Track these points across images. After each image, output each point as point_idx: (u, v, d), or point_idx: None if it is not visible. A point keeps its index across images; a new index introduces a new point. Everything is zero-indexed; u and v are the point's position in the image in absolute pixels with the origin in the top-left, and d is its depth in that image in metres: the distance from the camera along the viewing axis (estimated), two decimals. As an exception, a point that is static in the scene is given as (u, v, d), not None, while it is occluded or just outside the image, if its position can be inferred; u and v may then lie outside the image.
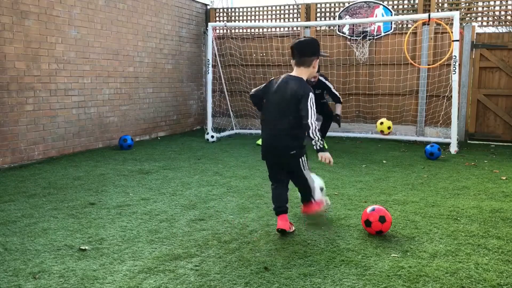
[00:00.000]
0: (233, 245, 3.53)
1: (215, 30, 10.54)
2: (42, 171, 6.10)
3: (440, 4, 9.33)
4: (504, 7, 9.03)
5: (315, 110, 3.54)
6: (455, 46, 7.53)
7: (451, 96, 7.88)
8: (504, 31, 14.62)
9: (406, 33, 9.02)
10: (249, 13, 10.80)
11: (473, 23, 9.07)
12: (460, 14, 8.32)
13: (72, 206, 4.51)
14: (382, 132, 7.44)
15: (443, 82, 9.05)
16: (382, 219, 3.64)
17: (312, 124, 3.50)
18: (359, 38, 9.64)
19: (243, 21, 10.81)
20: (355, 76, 9.88)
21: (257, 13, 10.74)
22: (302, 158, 3.71)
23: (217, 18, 11.11)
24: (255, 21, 10.75)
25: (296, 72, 3.73)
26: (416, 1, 9.42)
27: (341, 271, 3.06)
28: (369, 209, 3.75)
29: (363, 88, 9.86)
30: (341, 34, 9.82)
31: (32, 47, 6.63)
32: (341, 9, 9.84)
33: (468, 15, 9.31)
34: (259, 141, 8.04)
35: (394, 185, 5.47)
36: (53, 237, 3.68)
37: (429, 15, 7.87)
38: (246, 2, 22.53)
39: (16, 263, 3.19)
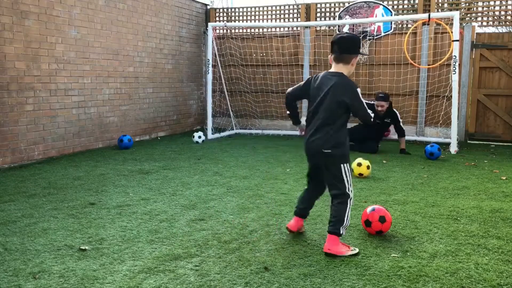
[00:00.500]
0: (233, 245, 3.53)
1: (215, 30, 10.54)
2: (42, 171, 6.10)
3: (440, 4, 9.33)
4: (504, 7, 9.03)
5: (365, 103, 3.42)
6: (455, 46, 7.53)
7: (451, 96, 7.88)
8: (504, 31, 14.62)
9: (406, 33, 9.02)
10: (249, 13, 10.80)
11: (473, 23, 9.07)
12: (460, 14, 8.32)
13: (72, 206, 4.51)
14: (361, 174, 5.85)
15: (443, 82, 9.05)
16: (382, 219, 3.64)
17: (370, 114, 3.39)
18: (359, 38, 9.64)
19: (243, 21, 10.81)
20: (355, 76, 9.87)
21: (257, 13, 10.74)
22: (344, 165, 3.44)
23: (217, 18, 11.11)
24: (255, 21, 10.75)
25: (335, 68, 3.53)
26: (416, 1, 9.42)
27: (341, 271, 3.06)
28: (369, 209, 3.75)
29: (363, 88, 9.85)
30: (341, 34, 9.81)
31: (32, 47, 6.63)
32: (341, 9, 9.84)
33: (468, 15, 9.31)
34: None
35: (394, 185, 5.46)
36: (53, 237, 3.68)
37: (429, 15, 7.87)
38: (246, 2, 22.53)
39: (16, 263, 3.19)
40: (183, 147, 8.16)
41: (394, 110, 7.85)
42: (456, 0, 9.29)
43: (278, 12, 10.59)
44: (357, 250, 3.37)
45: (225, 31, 10.84)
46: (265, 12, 10.68)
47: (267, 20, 10.68)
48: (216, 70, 10.35)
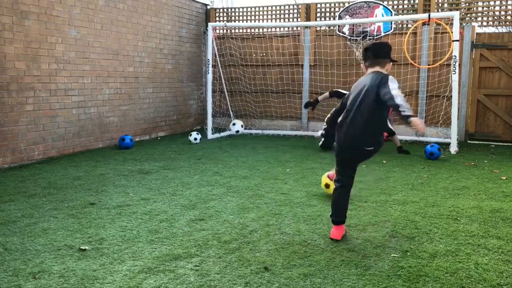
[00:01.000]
0: (233, 245, 3.53)
1: (215, 30, 10.54)
2: (42, 171, 6.10)
3: (440, 4, 9.33)
4: (504, 7, 9.03)
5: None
6: (455, 46, 7.53)
7: (451, 96, 7.88)
8: (504, 31, 14.61)
9: (406, 33, 9.02)
10: (249, 13, 10.80)
11: (473, 23, 9.07)
12: (460, 14, 8.32)
13: (72, 206, 4.51)
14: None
15: (443, 82, 9.05)
16: None
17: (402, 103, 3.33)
18: (359, 38, 9.64)
19: (243, 21, 10.81)
20: (355, 76, 9.87)
21: (257, 13, 10.74)
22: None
23: (217, 18, 11.11)
24: (255, 21, 10.75)
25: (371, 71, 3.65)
26: (416, 1, 9.42)
27: (341, 271, 3.06)
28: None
29: (363, 88, 9.84)
30: (341, 34, 9.82)
31: (32, 47, 6.63)
32: (341, 9, 9.84)
33: (468, 15, 9.31)
34: None
35: (394, 185, 5.46)
36: (53, 237, 3.68)
37: (429, 15, 7.87)
38: (246, 2, 22.51)
39: (16, 263, 3.19)
40: (183, 147, 8.16)
41: None
42: (456, 0, 9.28)
43: (278, 12, 10.59)
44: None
45: (225, 31, 10.84)
46: (265, 12, 10.68)
47: (267, 20, 10.67)
48: (216, 70, 10.35)
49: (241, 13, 10.88)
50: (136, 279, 2.94)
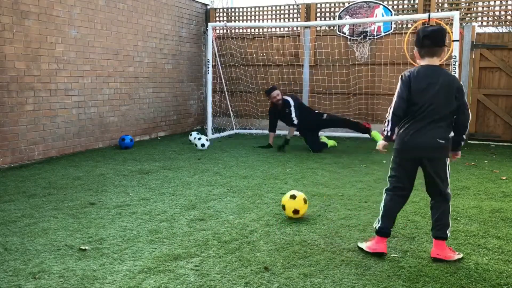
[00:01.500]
0: (233, 245, 3.53)
1: (215, 30, 10.54)
2: (42, 171, 6.10)
3: (440, 4, 9.33)
4: (504, 7, 9.03)
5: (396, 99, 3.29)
6: (455, 46, 7.53)
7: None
8: (504, 31, 14.62)
9: (406, 33, 9.02)
10: (249, 13, 10.81)
11: (473, 23, 9.07)
12: (460, 14, 8.32)
13: (72, 206, 4.51)
14: (296, 212, 4.14)
15: (443, 82, 9.04)
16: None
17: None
18: (359, 38, 9.64)
19: (243, 21, 10.81)
20: (355, 76, 9.88)
21: (257, 13, 10.75)
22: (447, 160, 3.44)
23: (217, 18, 11.11)
24: (255, 21, 10.75)
25: (431, 62, 3.29)
26: (416, 1, 9.42)
27: (341, 271, 3.06)
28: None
29: (363, 88, 9.85)
30: (341, 34, 9.82)
31: (32, 47, 6.63)
32: (341, 9, 9.84)
33: (468, 15, 9.31)
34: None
35: (394, 185, 5.46)
36: (53, 237, 3.68)
37: (429, 15, 7.87)
38: (246, 2, 22.52)
39: (16, 263, 3.19)
40: (183, 147, 8.16)
41: (285, 98, 7.96)
42: (456, 0, 9.29)
43: (278, 12, 10.59)
44: (461, 255, 3.30)
45: (225, 31, 10.84)
46: (265, 12, 10.68)
47: (267, 20, 10.68)
48: (216, 70, 10.35)
49: (241, 13, 10.88)
50: (136, 279, 2.94)
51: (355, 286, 2.86)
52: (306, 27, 9.93)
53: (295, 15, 10.48)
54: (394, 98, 3.32)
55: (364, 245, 3.42)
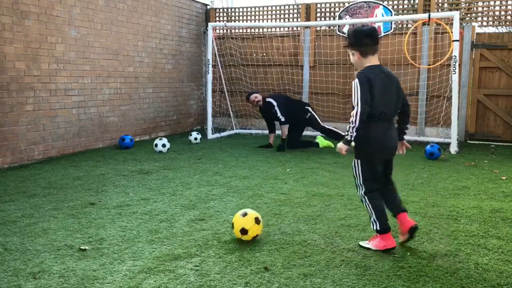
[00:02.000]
0: (233, 245, 3.53)
1: (215, 30, 10.54)
2: (42, 171, 6.10)
3: (440, 4, 9.33)
4: (504, 7, 9.03)
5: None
6: (455, 46, 7.53)
7: (451, 96, 7.88)
8: (504, 31, 14.62)
9: (406, 33, 9.02)
10: (249, 13, 10.80)
11: (473, 23, 9.07)
12: (460, 14, 8.32)
13: (72, 206, 4.51)
14: (244, 232, 3.57)
15: (443, 82, 9.05)
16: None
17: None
18: (359, 38, 9.63)
19: (243, 21, 10.81)
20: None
21: (257, 13, 10.74)
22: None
23: (217, 18, 11.11)
24: (255, 21, 10.75)
25: (375, 61, 3.42)
26: (416, 1, 9.42)
27: (341, 271, 3.06)
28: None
29: (363, 88, 9.84)
30: (341, 34, 9.82)
31: (32, 47, 6.63)
32: (341, 9, 9.84)
33: (468, 15, 9.31)
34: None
35: (394, 185, 5.46)
36: (53, 237, 3.68)
37: (429, 15, 7.87)
38: (246, 2, 22.50)
39: (16, 263, 3.19)
40: (183, 147, 8.16)
41: (268, 100, 8.02)
42: (456, 0, 9.28)
43: (278, 12, 10.59)
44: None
45: (225, 31, 10.84)
46: (265, 12, 10.68)
47: (267, 20, 10.67)
48: (216, 70, 10.34)
49: (241, 13, 10.88)
50: (136, 279, 2.94)
51: (355, 286, 2.86)
52: (306, 27, 9.93)
53: (295, 15, 10.48)
54: (358, 102, 3.25)
55: (370, 245, 3.45)
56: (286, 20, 10.54)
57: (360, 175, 3.50)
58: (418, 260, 3.24)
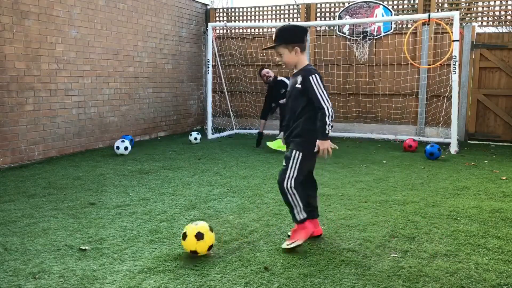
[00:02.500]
0: (233, 245, 3.53)
1: (215, 30, 10.54)
2: (42, 171, 6.10)
3: (440, 4, 9.33)
4: (504, 7, 9.03)
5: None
6: (455, 46, 7.53)
7: (451, 96, 7.88)
8: (504, 31, 14.62)
9: (406, 33, 9.02)
10: (249, 13, 10.80)
11: (473, 23, 9.07)
12: (460, 14, 8.32)
13: (72, 206, 4.51)
14: (194, 253, 3.28)
15: (443, 82, 9.05)
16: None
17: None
18: (359, 38, 9.64)
19: (243, 21, 10.81)
20: (355, 77, 9.88)
21: (257, 13, 10.74)
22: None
23: (217, 18, 11.11)
24: (255, 21, 10.75)
25: (307, 60, 3.51)
26: (416, 1, 9.42)
27: (341, 271, 3.06)
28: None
29: (363, 88, 9.85)
30: (341, 34, 9.82)
31: (32, 47, 6.63)
32: (341, 9, 9.84)
33: (468, 15, 9.31)
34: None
35: (394, 185, 5.46)
36: (53, 237, 3.68)
37: (429, 15, 7.87)
38: (246, 2, 22.52)
39: (16, 263, 3.19)
40: (183, 147, 8.16)
41: (282, 79, 7.98)
42: (456, 0, 9.29)
43: (278, 12, 10.59)
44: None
45: (225, 31, 10.84)
46: (265, 12, 10.68)
47: (267, 20, 10.67)
48: (216, 70, 10.35)
49: (241, 13, 10.88)
50: (136, 279, 2.94)
51: (355, 286, 2.86)
52: (306, 27, 9.92)
53: (295, 15, 10.48)
54: (324, 96, 3.29)
55: (297, 242, 3.40)
56: (286, 20, 10.54)
57: (296, 169, 3.38)
58: (418, 260, 3.24)
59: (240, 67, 10.76)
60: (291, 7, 10.60)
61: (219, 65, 10.30)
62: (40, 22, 6.73)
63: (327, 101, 3.29)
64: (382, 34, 9.50)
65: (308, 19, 10.18)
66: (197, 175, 5.94)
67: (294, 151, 3.40)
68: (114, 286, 2.85)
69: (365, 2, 9.61)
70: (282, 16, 10.57)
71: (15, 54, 6.38)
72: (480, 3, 9.18)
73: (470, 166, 6.64)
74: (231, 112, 10.50)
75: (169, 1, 9.75)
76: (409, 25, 9.41)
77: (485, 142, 9.00)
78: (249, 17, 10.82)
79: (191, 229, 3.25)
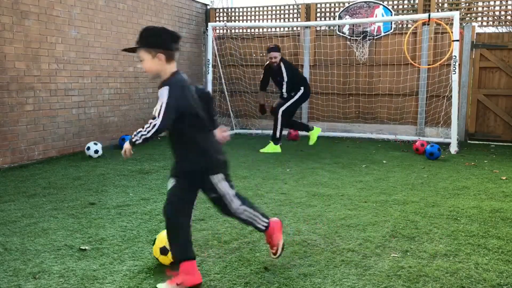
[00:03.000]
0: (233, 245, 3.53)
1: (215, 30, 10.54)
2: (42, 171, 6.10)
3: (440, 4, 9.33)
4: (504, 7, 9.03)
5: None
6: (455, 46, 7.53)
7: (451, 96, 7.88)
8: (504, 31, 14.62)
9: (406, 33, 9.02)
10: (249, 13, 10.80)
11: (473, 23, 9.07)
12: (460, 14, 8.32)
13: (72, 206, 4.51)
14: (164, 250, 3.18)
15: (443, 82, 9.05)
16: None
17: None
18: (359, 38, 9.64)
19: (243, 21, 10.81)
20: (355, 77, 9.87)
21: (257, 13, 10.74)
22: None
23: (217, 18, 11.11)
24: (255, 21, 10.75)
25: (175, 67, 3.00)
26: (416, 1, 9.42)
27: (341, 271, 3.06)
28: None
29: (363, 88, 9.85)
30: (341, 34, 9.82)
31: (32, 47, 6.63)
32: (341, 9, 9.84)
33: (468, 15, 9.31)
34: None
35: (394, 185, 5.46)
36: (53, 237, 3.68)
37: (429, 15, 7.87)
38: (246, 2, 22.52)
39: (16, 263, 3.19)
40: (183, 147, 8.15)
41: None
42: (456, 0, 9.29)
43: (278, 12, 10.59)
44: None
45: (225, 31, 10.84)
46: (265, 12, 10.67)
47: (267, 20, 10.67)
48: (216, 70, 10.34)
49: (241, 13, 10.88)
50: (136, 279, 2.94)
51: (355, 286, 2.86)
52: (306, 27, 9.93)
53: (295, 15, 10.47)
54: (162, 109, 2.91)
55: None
56: (286, 20, 10.54)
57: (229, 189, 2.96)
58: (418, 260, 3.24)
59: (240, 67, 10.75)
60: (291, 7, 10.60)
61: (219, 65, 10.30)
62: (40, 22, 6.73)
63: (160, 115, 2.85)
64: (382, 34, 9.49)
65: (308, 19, 10.18)
66: (197, 175, 5.93)
67: (211, 175, 2.98)
68: (114, 286, 2.85)
69: (365, 2, 9.61)
70: (282, 16, 10.57)
71: (15, 54, 6.38)
72: (480, 3, 9.18)
73: (470, 166, 6.64)
74: (231, 112, 10.50)
75: (169, 1, 9.75)
76: (409, 25, 9.41)
77: (485, 142, 9.00)
78: (249, 17, 10.81)
79: (161, 239, 3.08)
